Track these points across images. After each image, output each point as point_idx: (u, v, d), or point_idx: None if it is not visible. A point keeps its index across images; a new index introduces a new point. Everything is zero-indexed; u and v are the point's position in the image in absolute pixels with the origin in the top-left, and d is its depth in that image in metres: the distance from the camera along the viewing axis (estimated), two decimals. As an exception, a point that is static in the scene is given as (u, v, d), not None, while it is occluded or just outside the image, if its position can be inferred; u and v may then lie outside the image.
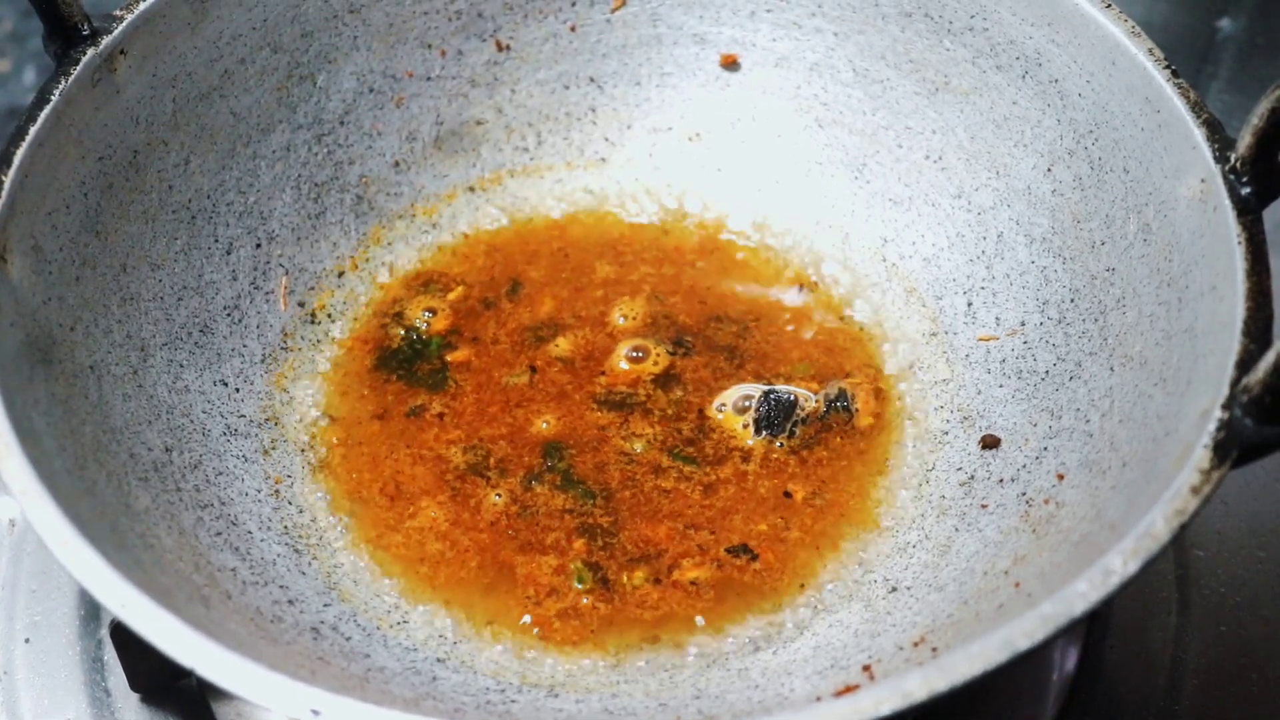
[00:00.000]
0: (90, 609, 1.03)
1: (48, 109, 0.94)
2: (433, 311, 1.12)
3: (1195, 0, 1.43)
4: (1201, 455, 0.78)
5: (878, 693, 0.70)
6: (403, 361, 1.10)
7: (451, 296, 1.13)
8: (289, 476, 1.03)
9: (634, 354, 1.10)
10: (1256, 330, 0.82)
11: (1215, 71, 1.39)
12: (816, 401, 1.06)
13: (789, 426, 1.05)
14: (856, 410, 1.07)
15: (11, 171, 0.91)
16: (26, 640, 1.02)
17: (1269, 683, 1.01)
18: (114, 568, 0.75)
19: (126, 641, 0.94)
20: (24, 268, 0.90)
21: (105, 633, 1.01)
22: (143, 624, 0.73)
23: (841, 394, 1.06)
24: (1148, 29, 0.99)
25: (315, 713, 0.70)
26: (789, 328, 1.12)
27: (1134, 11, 1.00)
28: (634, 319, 1.12)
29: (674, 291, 1.14)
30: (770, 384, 1.07)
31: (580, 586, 0.97)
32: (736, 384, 1.08)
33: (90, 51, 0.98)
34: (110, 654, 0.99)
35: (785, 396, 1.06)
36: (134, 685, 0.98)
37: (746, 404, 1.06)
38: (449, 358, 1.10)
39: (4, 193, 0.89)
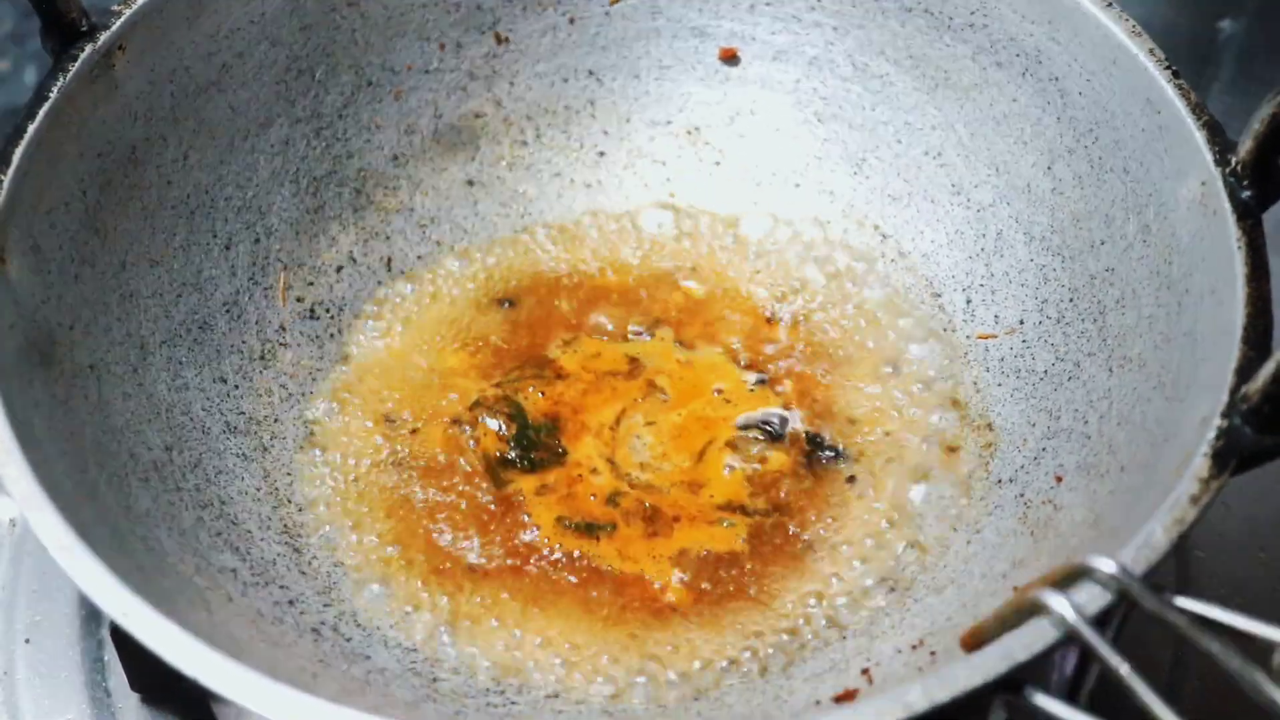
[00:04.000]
0: (90, 609, 1.03)
1: (46, 106, 0.94)
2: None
3: (1196, 2, 1.43)
4: (1201, 464, 0.78)
5: (879, 704, 0.70)
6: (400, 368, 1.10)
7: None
8: (289, 475, 1.03)
9: (635, 340, 1.11)
10: (1256, 337, 0.82)
11: (1216, 73, 1.39)
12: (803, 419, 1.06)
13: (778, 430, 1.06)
14: (851, 410, 1.07)
15: (11, 171, 0.90)
16: (26, 640, 1.02)
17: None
18: (116, 574, 0.75)
19: (126, 642, 0.94)
20: (23, 268, 0.90)
21: (105, 633, 1.01)
22: (145, 633, 0.73)
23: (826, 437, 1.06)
24: (1148, 30, 0.99)
25: (318, 722, 0.70)
26: (787, 326, 1.12)
27: (1135, 12, 1.00)
28: (637, 323, 1.12)
29: (670, 290, 1.14)
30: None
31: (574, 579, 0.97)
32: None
33: (88, 47, 0.97)
34: (110, 654, 1.00)
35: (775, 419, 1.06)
36: (134, 685, 0.98)
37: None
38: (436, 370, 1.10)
39: (3, 193, 0.89)
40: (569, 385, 1.09)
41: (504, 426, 1.06)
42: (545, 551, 0.99)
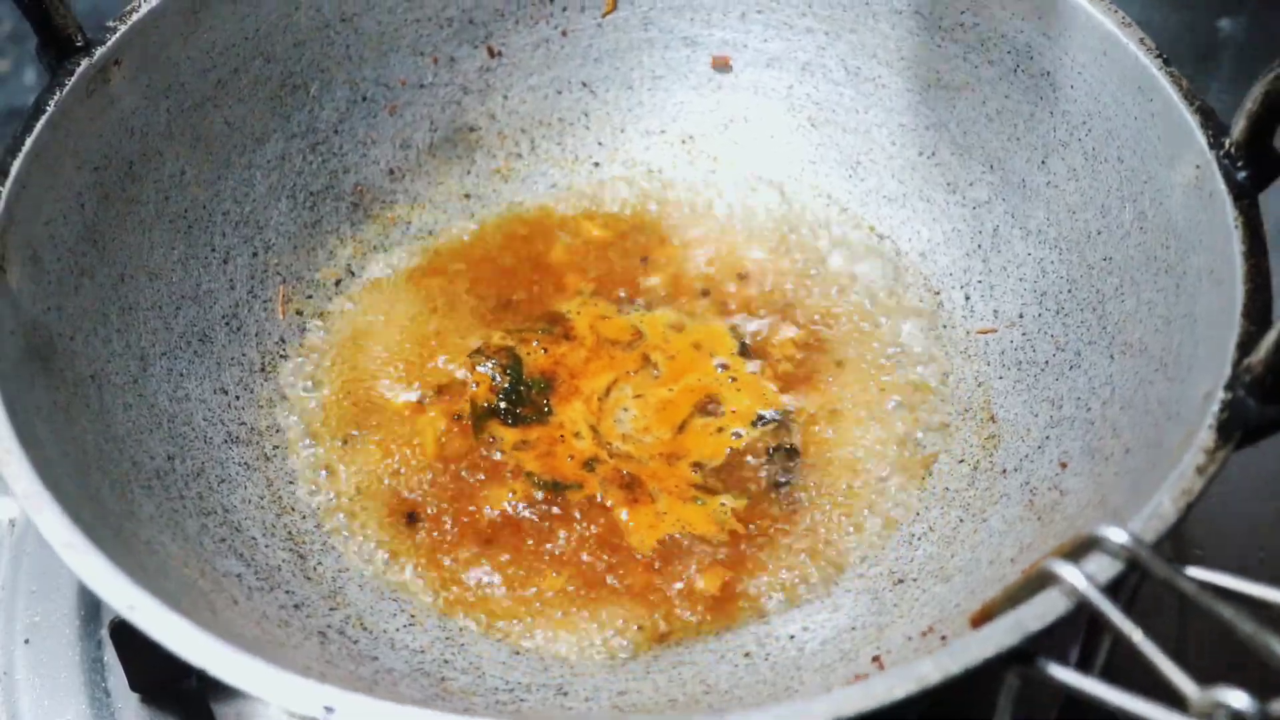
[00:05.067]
0: (90, 609, 1.03)
1: (43, 120, 0.94)
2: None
3: (1195, 0, 1.44)
4: (1206, 436, 0.78)
5: (891, 678, 0.69)
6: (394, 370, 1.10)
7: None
8: (291, 483, 1.03)
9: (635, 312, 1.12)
10: (1256, 312, 0.82)
11: (1216, 71, 1.40)
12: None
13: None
14: (848, 404, 1.07)
15: (9, 182, 0.91)
16: (26, 641, 1.01)
17: (1269, 683, 1.01)
18: (122, 571, 0.75)
19: (126, 641, 0.94)
20: (23, 276, 0.90)
21: (105, 633, 1.00)
22: (153, 626, 0.73)
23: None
24: (1147, 29, 0.99)
25: (329, 710, 0.70)
26: (787, 325, 1.12)
27: (1133, 12, 1.00)
28: (640, 324, 1.12)
29: (671, 295, 1.14)
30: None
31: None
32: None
33: (85, 62, 0.98)
34: (110, 654, 0.99)
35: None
36: (134, 685, 0.97)
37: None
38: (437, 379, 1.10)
39: (1, 203, 0.89)
40: (573, 348, 1.10)
41: (498, 377, 1.07)
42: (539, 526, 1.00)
